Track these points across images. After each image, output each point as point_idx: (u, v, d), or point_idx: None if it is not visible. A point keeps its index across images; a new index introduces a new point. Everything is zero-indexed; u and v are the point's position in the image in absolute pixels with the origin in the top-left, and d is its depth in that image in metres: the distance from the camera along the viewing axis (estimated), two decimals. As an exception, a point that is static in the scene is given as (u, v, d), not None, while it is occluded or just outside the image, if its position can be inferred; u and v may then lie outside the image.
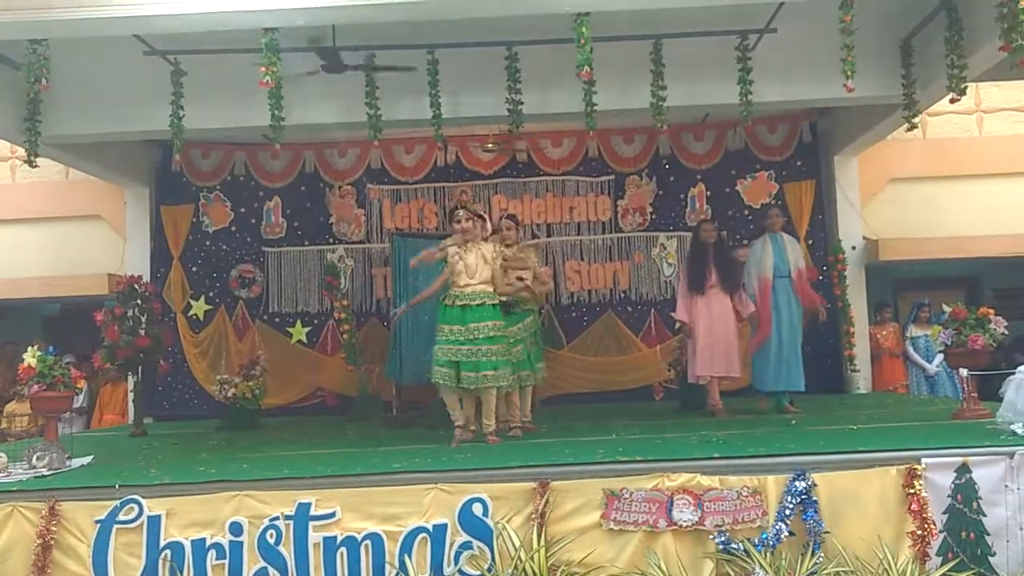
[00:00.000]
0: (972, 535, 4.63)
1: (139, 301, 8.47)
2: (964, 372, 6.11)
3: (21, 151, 8.90)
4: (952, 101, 7.10)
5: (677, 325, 8.54)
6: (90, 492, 4.97)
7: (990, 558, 4.64)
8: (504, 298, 6.61)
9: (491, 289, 6.43)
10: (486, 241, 6.62)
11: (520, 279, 6.92)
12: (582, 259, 10.47)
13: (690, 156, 10.50)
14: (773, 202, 10.30)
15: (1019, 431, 5.14)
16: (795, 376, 7.84)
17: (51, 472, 5.58)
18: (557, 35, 6.96)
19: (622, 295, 10.42)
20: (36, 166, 7.62)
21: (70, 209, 10.63)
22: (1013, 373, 5.55)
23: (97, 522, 4.81)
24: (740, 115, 7.49)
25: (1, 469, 5.58)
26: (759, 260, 7.99)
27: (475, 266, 6.40)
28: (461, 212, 6.55)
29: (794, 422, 6.82)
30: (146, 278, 9.33)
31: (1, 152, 10.45)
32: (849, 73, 6.54)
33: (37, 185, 10.51)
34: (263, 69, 6.34)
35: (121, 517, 4.82)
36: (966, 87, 6.95)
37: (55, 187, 10.62)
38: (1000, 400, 5.63)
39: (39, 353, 6.23)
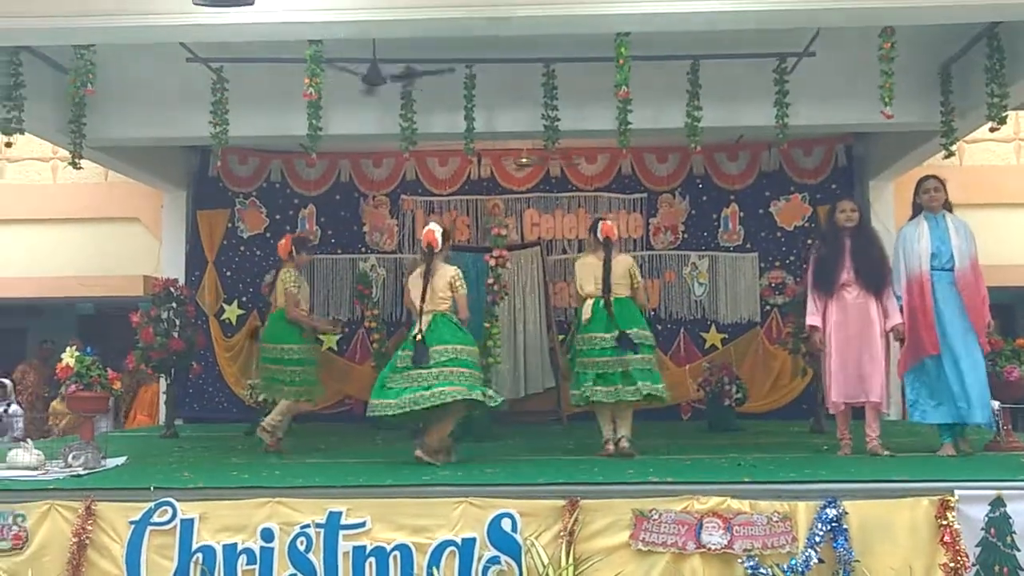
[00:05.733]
0: (1006, 570, 4.59)
1: (174, 304, 8.59)
2: (996, 404, 6.05)
3: (62, 152, 9.09)
4: (992, 130, 7.07)
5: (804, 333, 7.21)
6: (125, 493, 5.05)
7: (1023, 593, 4.61)
8: None
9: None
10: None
11: None
12: (612, 276, 10.46)
13: (724, 176, 10.47)
14: (808, 224, 10.29)
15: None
16: (975, 403, 5.92)
17: (87, 472, 5.66)
18: (594, 53, 7.01)
19: (652, 313, 10.38)
20: (80, 168, 7.76)
21: (108, 211, 10.77)
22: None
23: (131, 523, 4.87)
24: (775, 137, 7.50)
25: (38, 467, 5.68)
26: (910, 248, 6.19)
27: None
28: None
29: (826, 448, 6.73)
30: (181, 281, 9.43)
31: (43, 153, 10.58)
32: (888, 100, 6.54)
33: (77, 186, 10.65)
34: (307, 81, 6.42)
35: (155, 519, 4.87)
36: (1006, 116, 6.92)
37: (94, 189, 10.76)
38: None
39: (77, 353, 6.34)
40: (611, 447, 6.45)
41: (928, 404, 6.12)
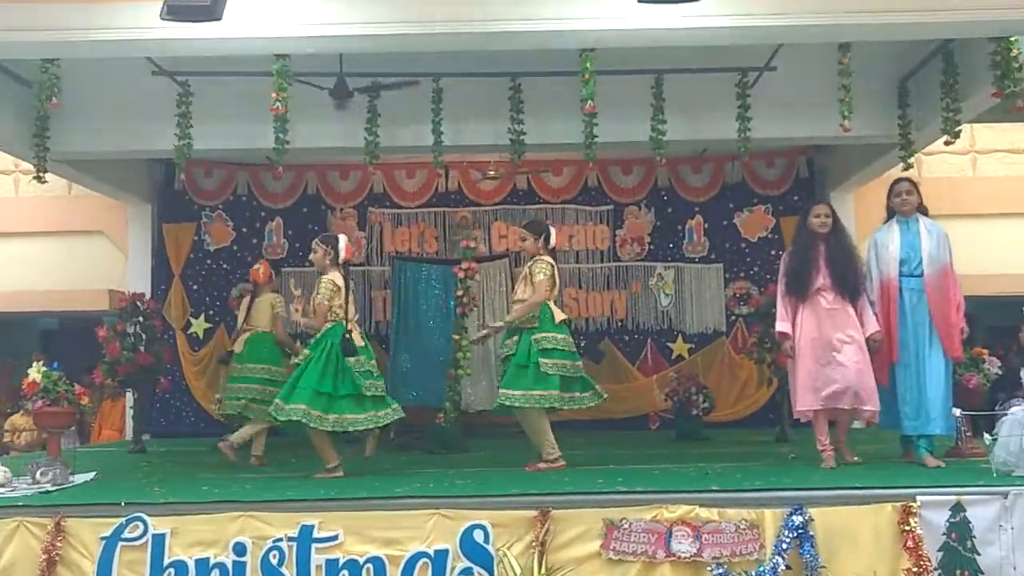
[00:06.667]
0: (966, 573, 4.69)
1: (141, 318, 8.53)
2: (957, 412, 6.17)
3: (25, 165, 9.02)
4: (947, 143, 7.25)
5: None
6: (95, 509, 5.01)
7: (984, 596, 4.72)
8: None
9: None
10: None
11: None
12: (580, 287, 10.53)
13: (688, 188, 10.61)
14: (771, 235, 10.44)
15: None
16: (933, 414, 5.82)
17: (55, 488, 5.62)
18: (560, 67, 7.10)
19: (619, 324, 10.50)
20: (45, 181, 7.69)
21: (72, 224, 10.68)
22: (1007, 413, 5.65)
23: (102, 539, 4.83)
24: (738, 150, 7.64)
25: (5, 484, 5.63)
26: (881, 253, 6.07)
27: None
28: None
29: (792, 456, 6.84)
30: (147, 295, 9.37)
31: (5, 166, 10.47)
32: (846, 114, 6.71)
33: (40, 199, 10.50)
34: (274, 95, 6.44)
35: (126, 534, 4.84)
36: (960, 130, 7.11)
37: (58, 202, 10.65)
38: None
39: (44, 368, 6.29)
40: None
41: (892, 412, 5.99)
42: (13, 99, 7.68)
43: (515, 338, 6.40)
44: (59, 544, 4.80)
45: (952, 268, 6.05)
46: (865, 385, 5.85)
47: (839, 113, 6.75)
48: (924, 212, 6.20)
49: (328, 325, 6.27)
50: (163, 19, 5.42)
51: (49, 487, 5.61)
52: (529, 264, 6.54)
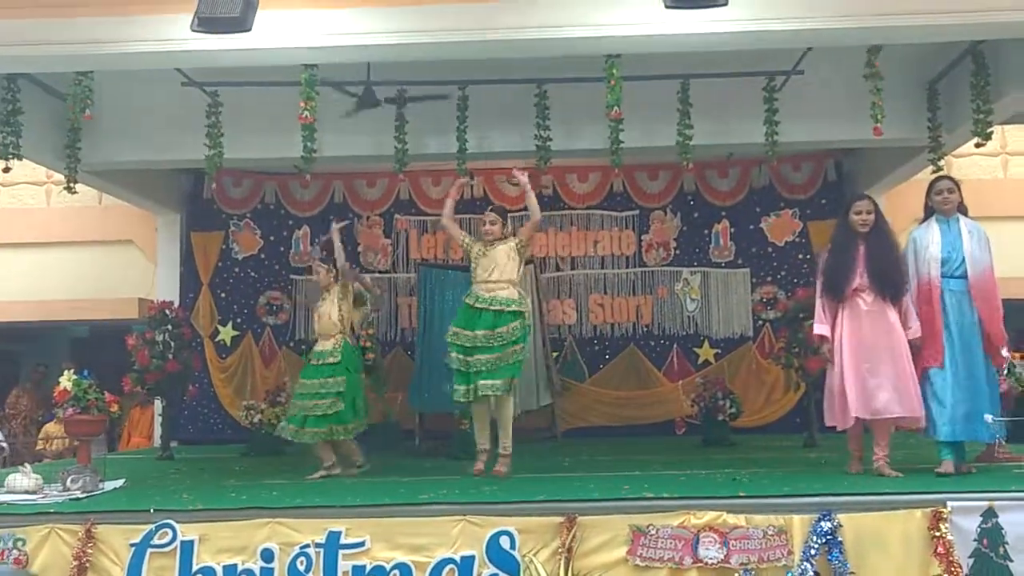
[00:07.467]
0: (998, 580, 4.65)
1: (169, 326, 8.61)
2: (989, 417, 6.04)
3: (57, 176, 9.13)
4: (977, 145, 7.16)
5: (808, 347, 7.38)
6: (125, 515, 5.06)
7: (1016, 603, 4.65)
8: None
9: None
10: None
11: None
12: (605, 292, 10.53)
13: (714, 193, 10.57)
14: (798, 239, 10.37)
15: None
16: (981, 420, 5.57)
17: (85, 495, 5.68)
18: (585, 73, 7.10)
19: (645, 329, 10.47)
20: (75, 192, 7.79)
21: (102, 234, 10.82)
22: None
23: (132, 545, 4.88)
24: (765, 154, 7.59)
25: (37, 491, 5.70)
26: (920, 253, 5.81)
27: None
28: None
29: (824, 462, 6.78)
30: (175, 303, 9.45)
31: (36, 177, 10.61)
32: (879, 117, 6.64)
33: (71, 210, 10.65)
34: (302, 104, 6.49)
35: (155, 541, 4.89)
36: (991, 132, 7.03)
37: (88, 212, 10.79)
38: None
39: (74, 377, 6.35)
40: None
41: (935, 419, 5.66)
42: (47, 111, 7.78)
43: (517, 323, 6.43)
44: (89, 550, 4.86)
45: (992, 271, 5.80)
46: (906, 393, 5.61)
47: (870, 116, 6.68)
48: (964, 212, 5.95)
49: (343, 340, 6.94)
50: (194, 31, 5.50)
51: (79, 494, 5.67)
52: (499, 244, 6.87)
